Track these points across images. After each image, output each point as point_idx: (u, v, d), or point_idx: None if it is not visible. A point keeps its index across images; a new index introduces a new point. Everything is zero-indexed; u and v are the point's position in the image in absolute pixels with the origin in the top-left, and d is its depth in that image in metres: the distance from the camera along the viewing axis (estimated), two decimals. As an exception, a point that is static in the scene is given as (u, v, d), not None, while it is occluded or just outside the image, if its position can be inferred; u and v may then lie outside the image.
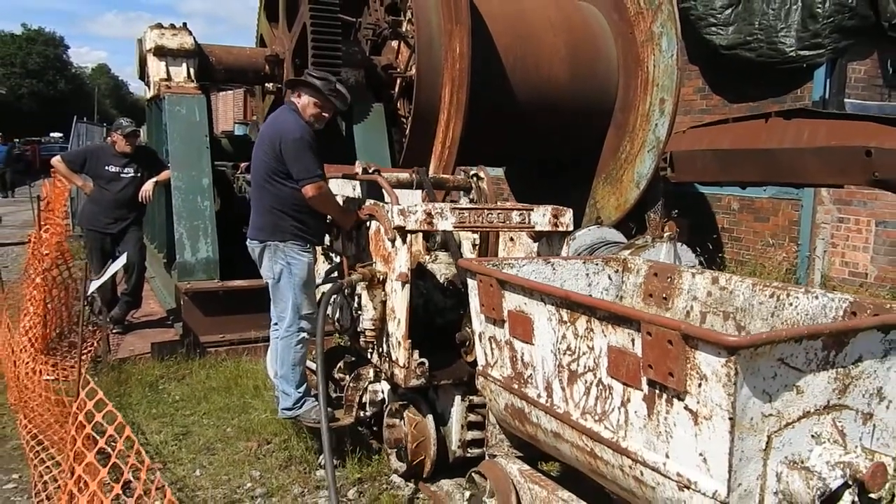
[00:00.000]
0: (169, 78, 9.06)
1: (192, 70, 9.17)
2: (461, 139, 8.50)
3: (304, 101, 5.41)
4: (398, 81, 9.29)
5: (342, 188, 5.97)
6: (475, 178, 5.94)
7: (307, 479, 5.30)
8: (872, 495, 2.94)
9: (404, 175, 5.92)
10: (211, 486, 5.20)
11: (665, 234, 8.10)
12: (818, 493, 2.82)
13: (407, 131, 9.01)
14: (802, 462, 2.89)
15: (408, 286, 4.81)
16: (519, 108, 9.66)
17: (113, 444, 3.69)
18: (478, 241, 5.79)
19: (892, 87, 11.05)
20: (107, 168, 8.37)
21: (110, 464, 3.63)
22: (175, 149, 8.56)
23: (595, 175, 10.23)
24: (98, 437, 3.70)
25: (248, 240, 5.51)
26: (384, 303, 5.01)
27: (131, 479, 3.83)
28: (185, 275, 8.17)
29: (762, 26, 10.71)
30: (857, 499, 2.91)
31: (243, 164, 10.41)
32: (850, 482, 2.88)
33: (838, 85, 10.54)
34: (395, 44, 9.41)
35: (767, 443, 2.81)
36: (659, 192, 8.70)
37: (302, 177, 5.16)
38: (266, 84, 10.29)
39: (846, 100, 10.54)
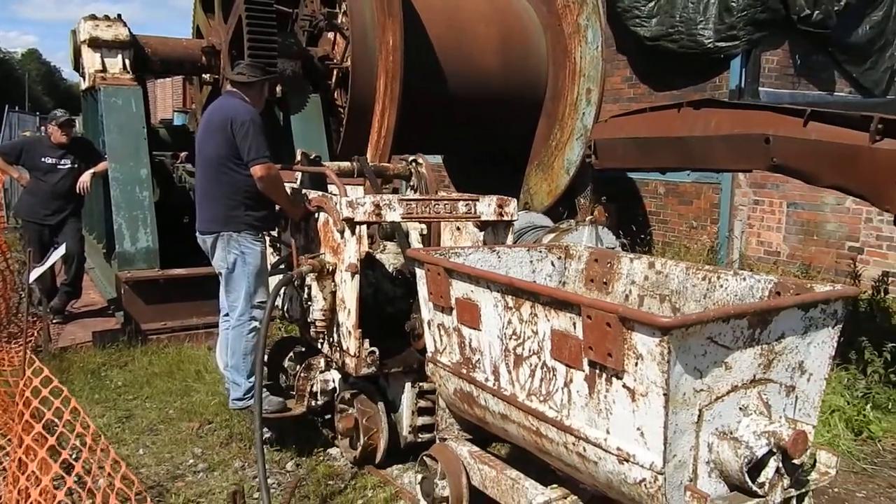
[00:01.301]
0: (104, 69, 8.80)
1: (127, 61, 8.92)
2: (396, 129, 8.48)
3: (251, 95, 5.41)
4: (335, 72, 9.20)
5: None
6: (414, 165, 5.92)
7: (247, 454, 5.31)
8: (795, 461, 3.06)
9: (345, 164, 5.88)
10: (154, 463, 5.23)
11: (587, 218, 8.22)
12: (745, 460, 2.93)
13: (344, 121, 8.96)
14: (731, 433, 3.00)
15: (357, 276, 4.77)
16: (453, 97, 9.67)
17: (59, 415, 3.71)
18: (425, 231, 5.77)
19: (801, 76, 11.38)
20: (43, 159, 8.21)
21: (58, 432, 3.63)
22: (112, 140, 8.36)
23: (528, 162, 10.33)
24: (45, 410, 3.71)
25: (199, 232, 5.42)
26: (334, 293, 4.95)
27: (78, 445, 3.83)
28: (125, 264, 8.03)
29: (683, 19, 10.91)
30: (781, 465, 3.03)
31: (183, 154, 10.24)
32: (775, 450, 3.00)
33: (753, 74, 10.79)
34: (331, 35, 9.30)
35: (699, 416, 2.91)
36: (588, 177, 8.81)
37: (252, 157, 5.09)
38: (203, 75, 10.09)
39: (760, 88, 10.81)
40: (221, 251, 5.30)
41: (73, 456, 3.80)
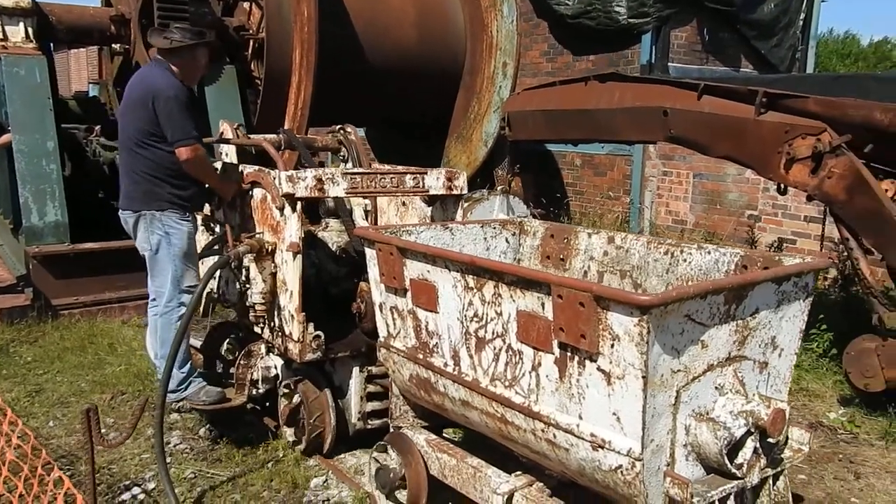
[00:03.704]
0: (5, 38, 7.96)
1: (30, 29, 8.08)
2: (313, 101, 7.95)
3: (180, 64, 4.67)
4: (251, 43, 8.53)
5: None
6: (343, 133, 5.35)
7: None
8: (772, 440, 2.75)
9: (272, 137, 5.22)
10: (65, 434, 4.97)
11: (499, 188, 7.97)
12: (725, 442, 2.61)
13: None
14: (708, 414, 2.66)
15: (299, 257, 4.22)
16: (371, 69, 9.18)
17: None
18: (369, 208, 5.22)
19: (709, 52, 11.23)
20: (-59, 133, 7.40)
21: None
22: (15, 112, 7.57)
23: (448, 134, 9.96)
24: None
25: (121, 210, 4.74)
26: (274, 275, 4.38)
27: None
28: (32, 239, 7.35)
29: (600, -4, 10.60)
30: (758, 444, 2.71)
31: (97, 128, 9.38)
32: (753, 429, 2.68)
33: (663, 50, 10.60)
34: (246, 5, 8.63)
35: (676, 398, 2.57)
36: (506, 149, 8.48)
37: (177, 138, 4.43)
38: (113, 45, 9.23)
39: (670, 64, 10.63)
40: (144, 231, 4.64)
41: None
